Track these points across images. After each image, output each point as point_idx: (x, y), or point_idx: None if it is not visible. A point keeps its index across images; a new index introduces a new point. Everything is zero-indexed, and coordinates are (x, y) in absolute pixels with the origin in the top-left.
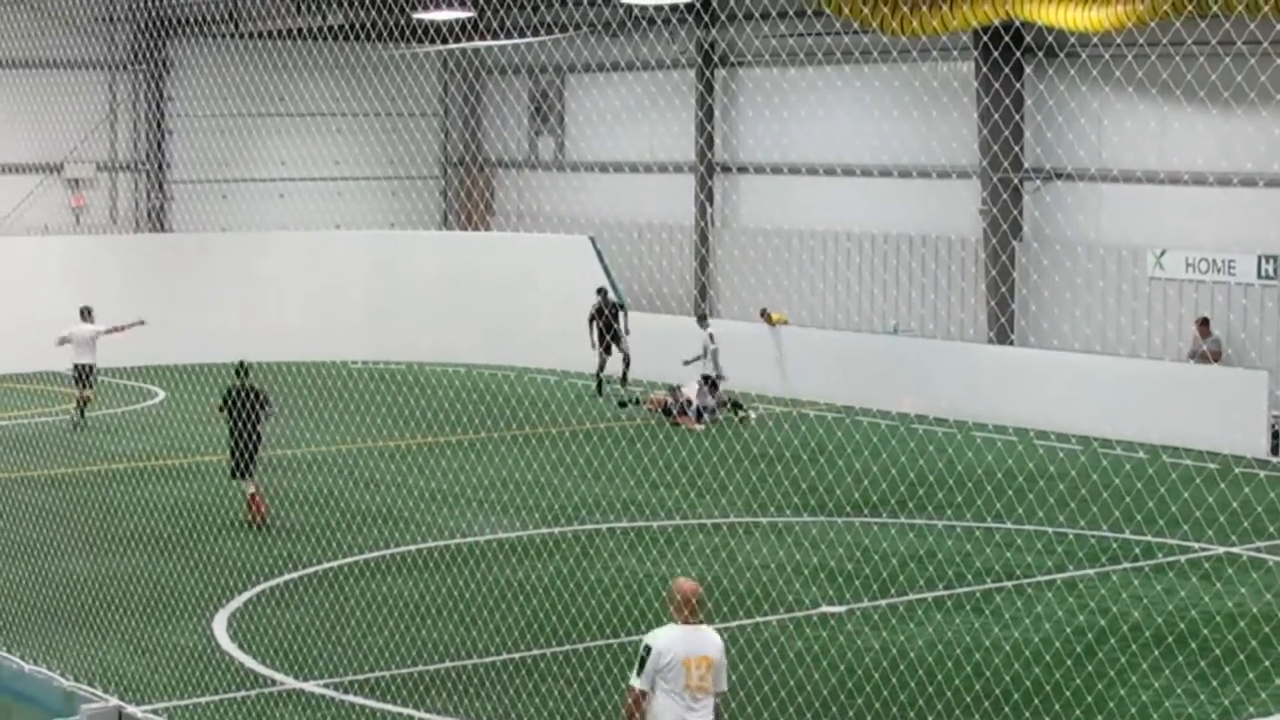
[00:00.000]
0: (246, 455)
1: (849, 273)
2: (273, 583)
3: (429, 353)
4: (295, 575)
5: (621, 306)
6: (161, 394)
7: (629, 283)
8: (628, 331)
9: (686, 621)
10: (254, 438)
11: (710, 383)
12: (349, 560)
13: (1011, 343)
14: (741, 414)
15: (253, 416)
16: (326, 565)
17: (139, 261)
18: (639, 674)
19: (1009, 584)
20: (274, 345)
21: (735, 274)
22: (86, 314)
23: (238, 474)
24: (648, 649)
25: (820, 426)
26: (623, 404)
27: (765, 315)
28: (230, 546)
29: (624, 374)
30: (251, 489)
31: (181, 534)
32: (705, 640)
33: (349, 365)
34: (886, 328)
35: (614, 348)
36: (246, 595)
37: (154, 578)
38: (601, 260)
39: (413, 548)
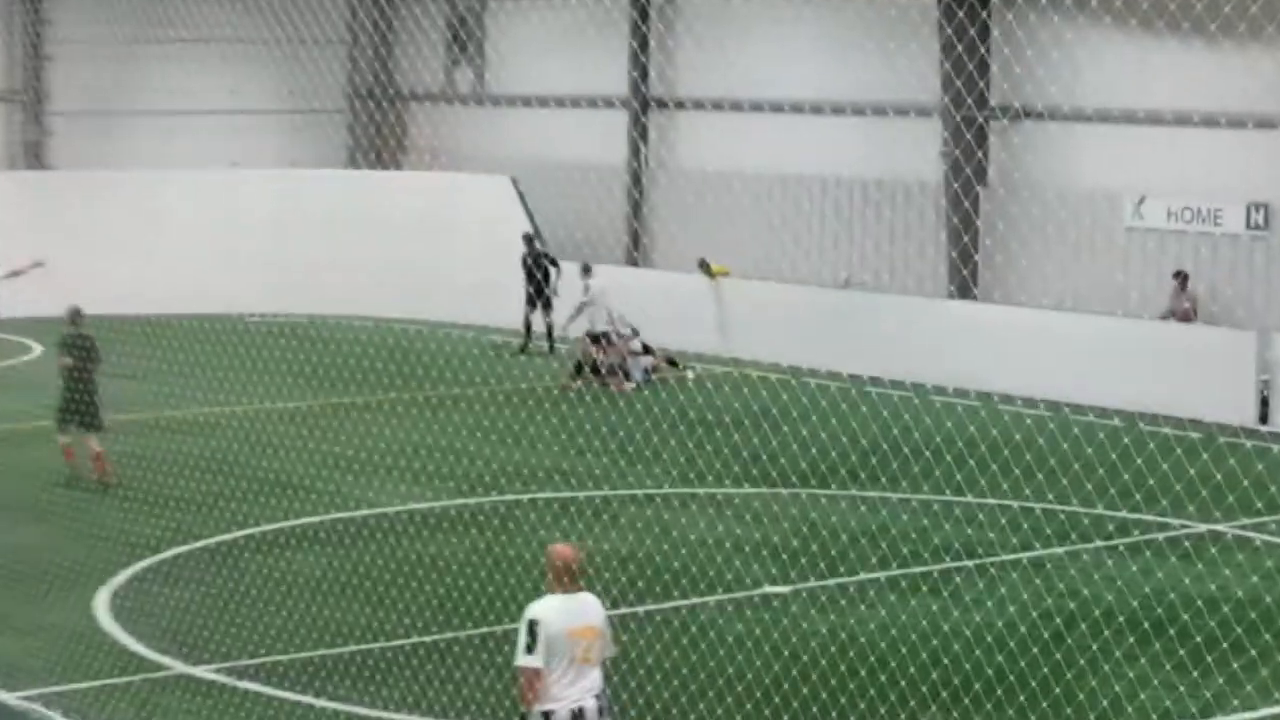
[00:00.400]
0: (80, 408)
1: (796, 220)
2: (160, 557)
3: (334, 305)
4: (185, 549)
5: (553, 262)
6: (37, 349)
7: (554, 229)
8: (556, 294)
9: (566, 590)
10: (89, 390)
11: (607, 339)
12: (244, 533)
13: (975, 298)
14: (681, 371)
15: (87, 367)
16: (220, 538)
17: (13, 201)
18: (530, 651)
19: (969, 563)
20: (162, 296)
21: (671, 220)
22: None
23: (62, 426)
24: (534, 622)
25: (764, 389)
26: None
27: (704, 266)
28: (113, 517)
29: (550, 345)
30: (96, 446)
31: (59, 502)
32: (587, 608)
33: (245, 319)
34: (837, 281)
35: (540, 308)
36: (131, 570)
37: (28, 550)
38: (524, 204)
39: (315, 519)
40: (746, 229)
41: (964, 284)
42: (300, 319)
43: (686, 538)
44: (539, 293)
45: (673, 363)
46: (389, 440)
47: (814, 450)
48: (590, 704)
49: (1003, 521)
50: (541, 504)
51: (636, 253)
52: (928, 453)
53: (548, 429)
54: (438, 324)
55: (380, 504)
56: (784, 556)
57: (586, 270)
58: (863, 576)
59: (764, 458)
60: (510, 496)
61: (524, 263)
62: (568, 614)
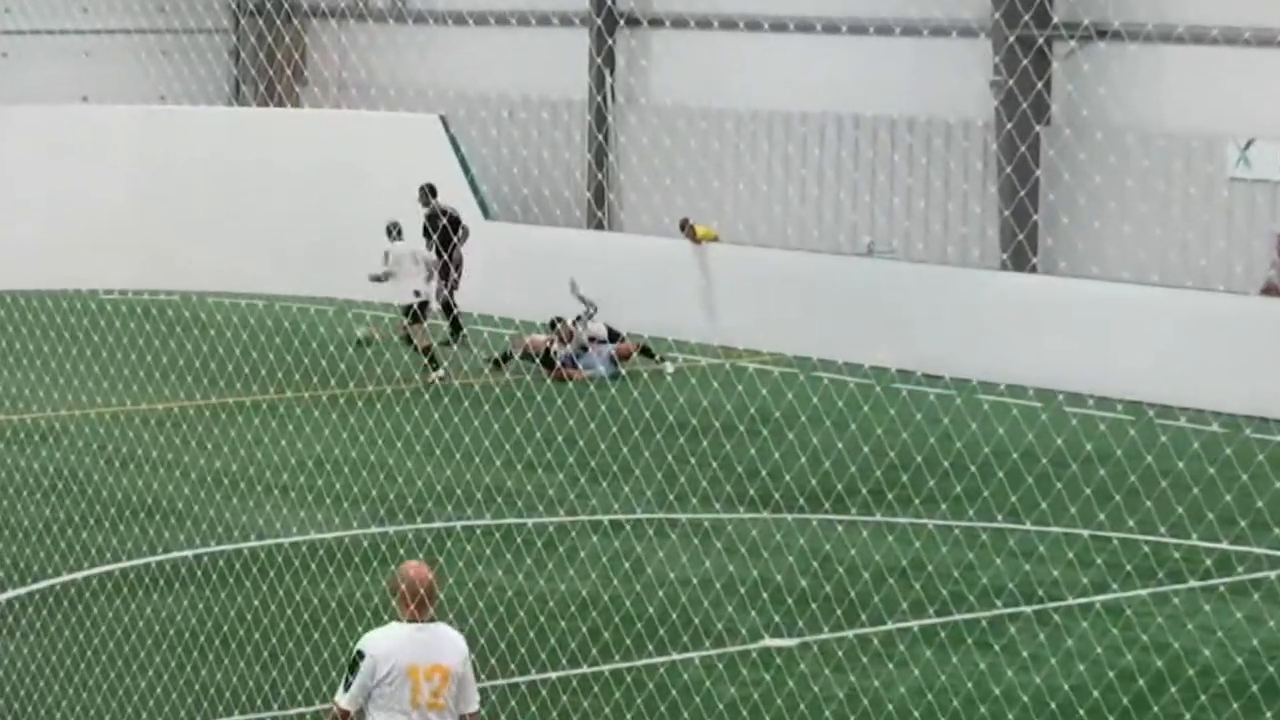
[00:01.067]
0: None
1: (804, 170)
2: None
3: (214, 279)
4: (18, 592)
5: (455, 224)
6: None
7: (495, 183)
8: (458, 267)
9: (415, 619)
10: None
11: (563, 324)
12: (97, 571)
13: (1034, 269)
14: (657, 363)
15: None
16: (65, 578)
17: None
18: (345, 688)
19: (1027, 609)
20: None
21: (645, 170)
22: None
23: None
24: (359, 655)
25: (764, 385)
26: (500, 360)
27: (688, 229)
28: None
29: (453, 327)
30: None
31: None
32: (442, 643)
33: (100, 296)
34: (858, 247)
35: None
36: None
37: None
38: (457, 149)
39: (188, 553)
40: (740, 182)
41: (1020, 252)
42: (171, 297)
43: (664, 576)
44: (449, 251)
45: (647, 352)
46: (284, 452)
47: (827, 464)
48: None
49: (1070, 555)
50: (480, 534)
51: (600, 212)
52: (973, 467)
53: (487, 438)
54: (346, 302)
55: (273, 534)
56: (789, 601)
57: (394, 232)
58: (890, 626)
59: (764, 474)
60: (439, 524)
61: (423, 226)
62: (414, 647)
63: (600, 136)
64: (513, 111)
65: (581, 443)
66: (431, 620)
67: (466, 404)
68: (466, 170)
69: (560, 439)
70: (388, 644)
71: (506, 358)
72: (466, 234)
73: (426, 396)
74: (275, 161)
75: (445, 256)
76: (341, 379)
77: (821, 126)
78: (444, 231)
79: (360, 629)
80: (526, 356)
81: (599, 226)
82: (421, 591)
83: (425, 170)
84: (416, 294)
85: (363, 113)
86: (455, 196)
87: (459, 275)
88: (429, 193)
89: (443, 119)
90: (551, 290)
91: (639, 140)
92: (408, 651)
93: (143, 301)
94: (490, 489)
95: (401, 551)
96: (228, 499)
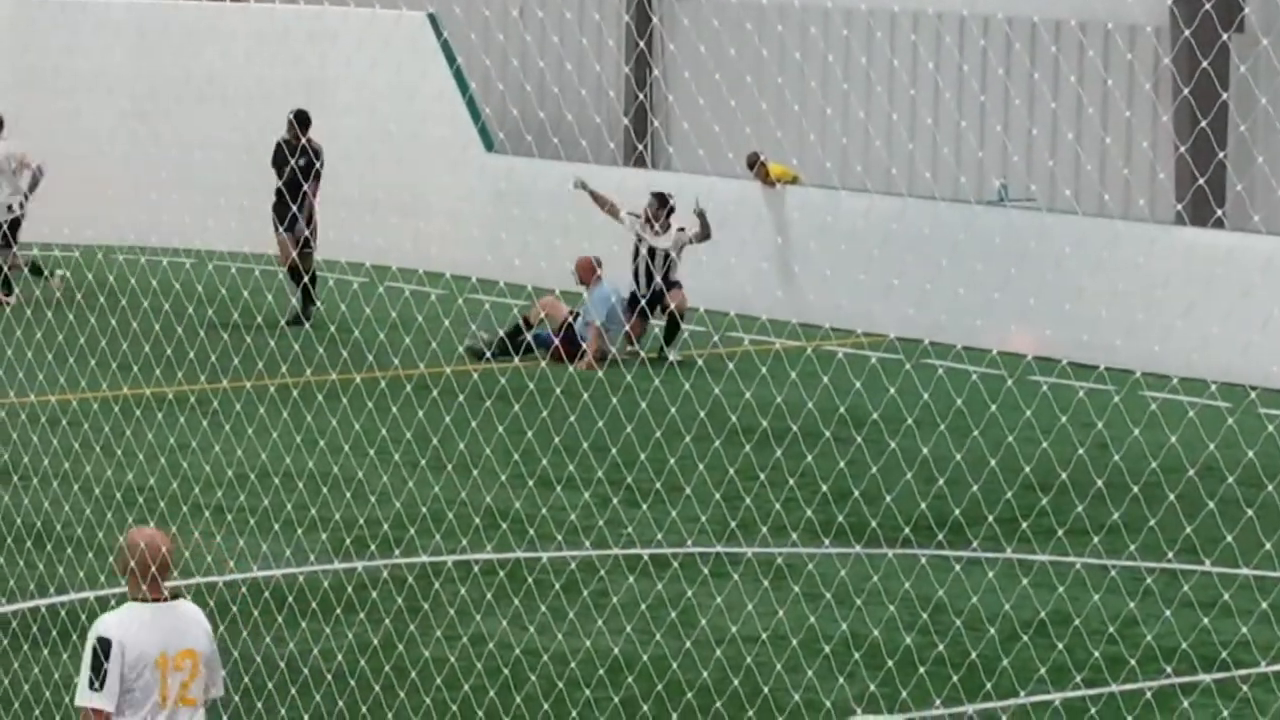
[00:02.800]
0: None
1: (914, 91)
2: None
3: (126, 229)
4: None
5: (315, 155)
6: None
7: (500, 104)
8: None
9: (153, 597)
10: None
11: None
12: None
13: (1219, 223)
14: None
15: None
16: None
17: None
18: (96, 686)
19: (1206, 677)
20: None
21: (701, 89)
22: None
23: None
24: (104, 644)
25: (856, 376)
26: (479, 354)
27: (758, 168)
28: None
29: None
30: None
31: None
32: (188, 624)
33: None
34: (985, 194)
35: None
36: None
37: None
38: (451, 59)
39: (84, 595)
40: (828, 105)
41: (1200, 201)
42: (66, 252)
43: (724, 631)
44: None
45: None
46: (217, 462)
47: (941, 482)
48: None
49: (1263, 606)
50: (478, 572)
51: (641, 144)
52: (1135, 488)
53: (489, 442)
54: (313, 260)
55: (202, 570)
56: (889, 663)
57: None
58: (1024, 699)
59: (854, 494)
60: (424, 559)
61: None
62: (159, 632)
63: (642, 43)
64: (524, 8)
65: (614, 451)
66: (173, 597)
67: (461, 398)
68: (463, 86)
69: (586, 446)
70: (129, 629)
71: (517, 333)
72: (318, 179)
73: (409, 389)
74: (208, 73)
75: (294, 206)
76: (295, 363)
77: (937, 32)
78: (294, 174)
79: (317, 696)
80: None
81: (639, 163)
82: (156, 563)
83: (409, 87)
84: (9, 209)
85: (326, 8)
86: (447, 120)
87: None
88: (299, 123)
89: (432, 18)
90: (574, 244)
91: (694, 48)
92: (153, 638)
93: (29, 259)
94: (492, 512)
95: (374, 595)
96: (141, 522)
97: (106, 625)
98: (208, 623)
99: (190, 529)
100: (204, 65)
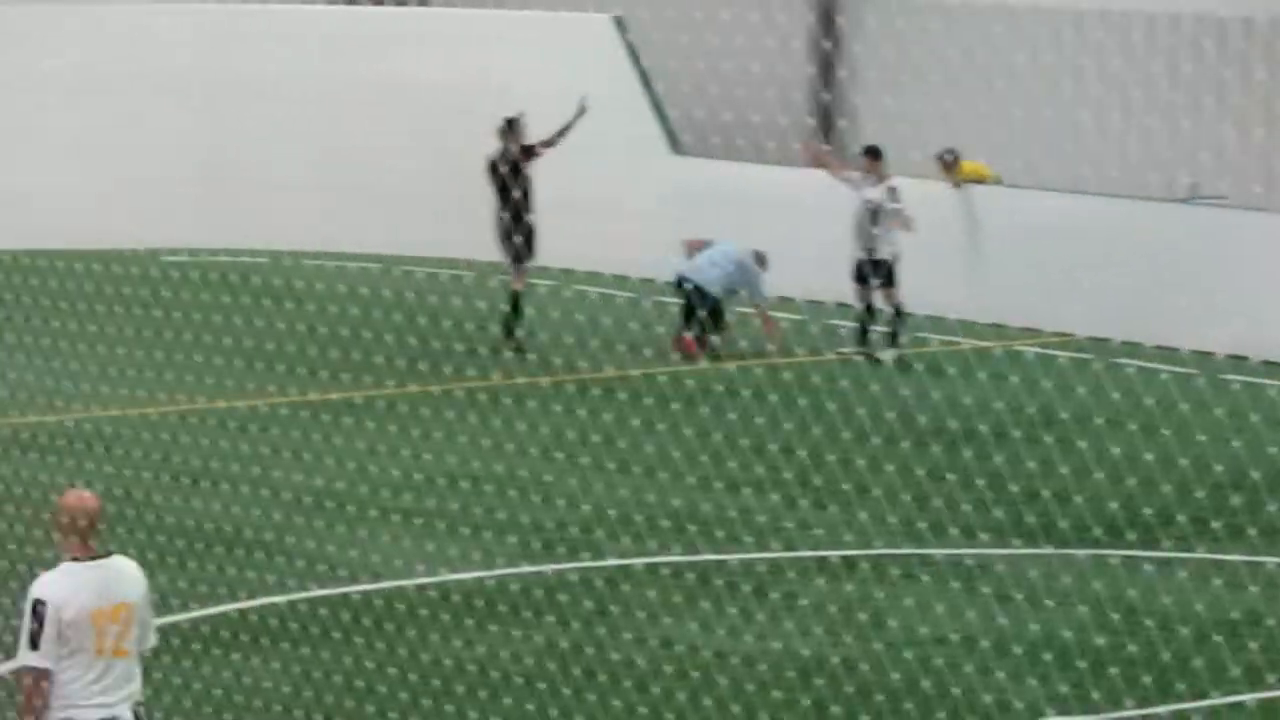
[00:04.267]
0: None
1: (1102, 88)
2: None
3: (310, 235)
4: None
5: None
6: None
7: (686, 105)
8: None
9: (86, 554)
10: None
11: None
12: (157, 623)
13: None
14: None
15: None
16: None
17: None
18: (34, 645)
19: None
20: (17, 220)
21: (887, 88)
22: None
23: None
24: (40, 603)
25: (1046, 375)
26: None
27: (949, 163)
28: None
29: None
30: None
31: None
32: (121, 578)
33: (160, 256)
34: (1175, 192)
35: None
36: None
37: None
38: (636, 60)
39: (280, 599)
40: (1015, 104)
41: None
42: (255, 259)
43: (914, 632)
44: (516, 219)
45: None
46: (406, 466)
47: (1132, 482)
48: (125, 714)
49: None
50: (665, 574)
51: (827, 146)
52: None
53: (673, 444)
54: (487, 266)
55: (391, 574)
56: (1081, 666)
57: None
58: (1217, 700)
59: (1043, 494)
60: (612, 562)
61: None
62: (92, 588)
63: (828, 44)
64: (710, 10)
65: (802, 453)
66: (105, 555)
67: (649, 400)
68: (648, 87)
69: (774, 447)
70: (63, 588)
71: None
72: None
73: (596, 392)
74: (394, 78)
75: (528, 213)
76: (482, 368)
77: (1125, 29)
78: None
79: (506, 700)
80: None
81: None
82: (86, 521)
83: (594, 87)
84: None
85: (511, 12)
86: (633, 121)
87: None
88: (510, 128)
89: (617, 20)
90: (757, 244)
91: (880, 48)
92: (88, 594)
93: (218, 265)
94: (680, 515)
95: (562, 598)
96: (331, 528)
97: (42, 586)
98: (143, 576)
99: (378, 533)
100: (389, 70)
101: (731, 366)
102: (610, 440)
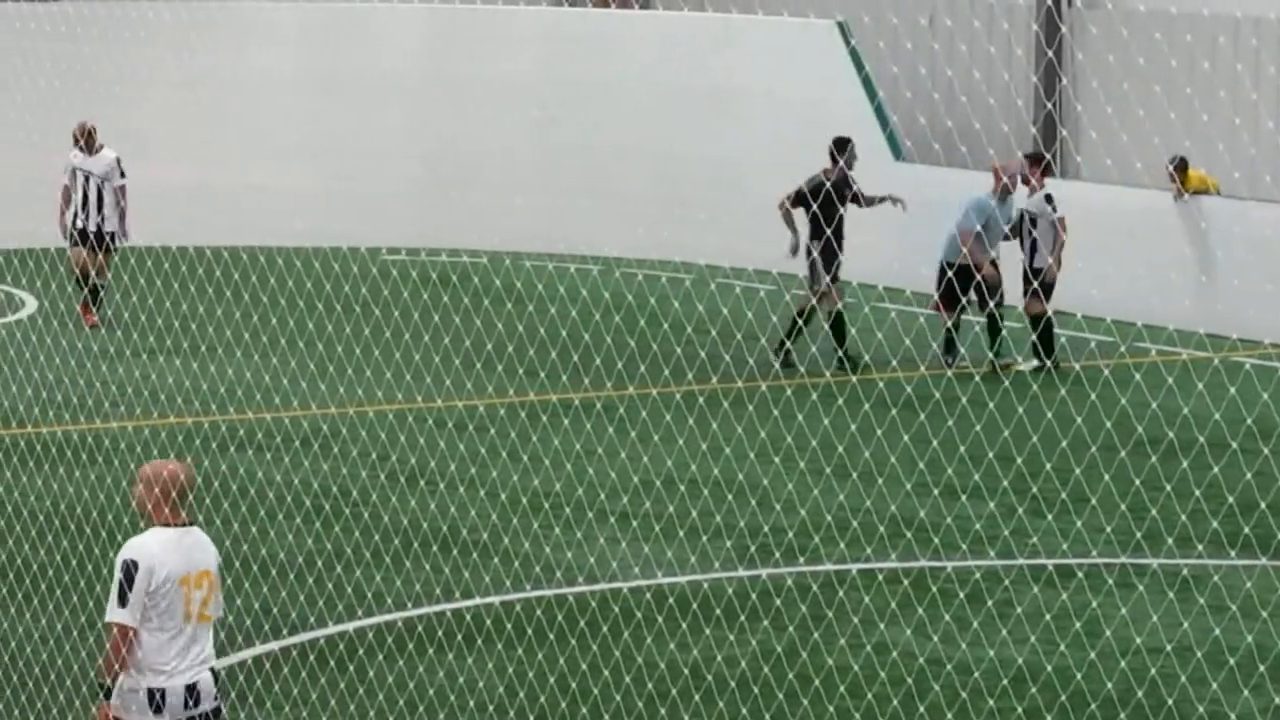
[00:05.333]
0: None
1: None
2: (254, 652)
3: (530, 235)
4: (270, 647)
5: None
6: (32, 303)
7: (909, 112)
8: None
9: (173, 523)
10: None
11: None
12: (374, 621)
13: None
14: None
15: None
16: (333, 630)
17: (9, 39)
18: (123, 603)
19: None
20: (240, 213)
21: (1110, 98)
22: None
23: None
24: (132, 564)
25: (1263, 386)
26: (849, 363)
27: (1178, 171)
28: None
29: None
30: None
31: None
32: (204, 549)
33: (381, 255)
34: None
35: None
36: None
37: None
38: (859, 66)
39: (495, 600)
40: (1238, 115)
41: None
42: (475, 259)
43: (1129, 642)
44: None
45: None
46: (624, 468)
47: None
48: (205, 677)
49: None
50: (882, 581)
51: (1049, 154)
52: None
53: (894, 450)
54: (710, 269)
55: (607, 576)
56: None
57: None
58: None
59: (1262, 505)
60: (829, 567)
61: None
62: (180, 555)
63: (1050, 52)
64: (933, 16)
65: (1020, 460)
66: (191, 523)
67: (868, 406)
68: (871, 95)
69: (991, 455)
70: (154, 552)
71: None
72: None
73: (814, 396)
74: (613, 80)
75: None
76: (702, 370)
77: None
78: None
79: (721, 703)
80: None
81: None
82: (176, 491)
83: (816, 94)
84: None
85: (734, 16)
86: (856, 129)
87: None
88: (842, 148)
89: (841, 26)
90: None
91: (1103, 57)
92: (176, 560)
93: (437, 264)
94: (897, 520)
95: (778, 602)
96: (548, 529)
97: (135, 548)
98: (215, 549)
99: (595, 535)
100: (611, 71)
101: (949, 373)
102: (828, 445)
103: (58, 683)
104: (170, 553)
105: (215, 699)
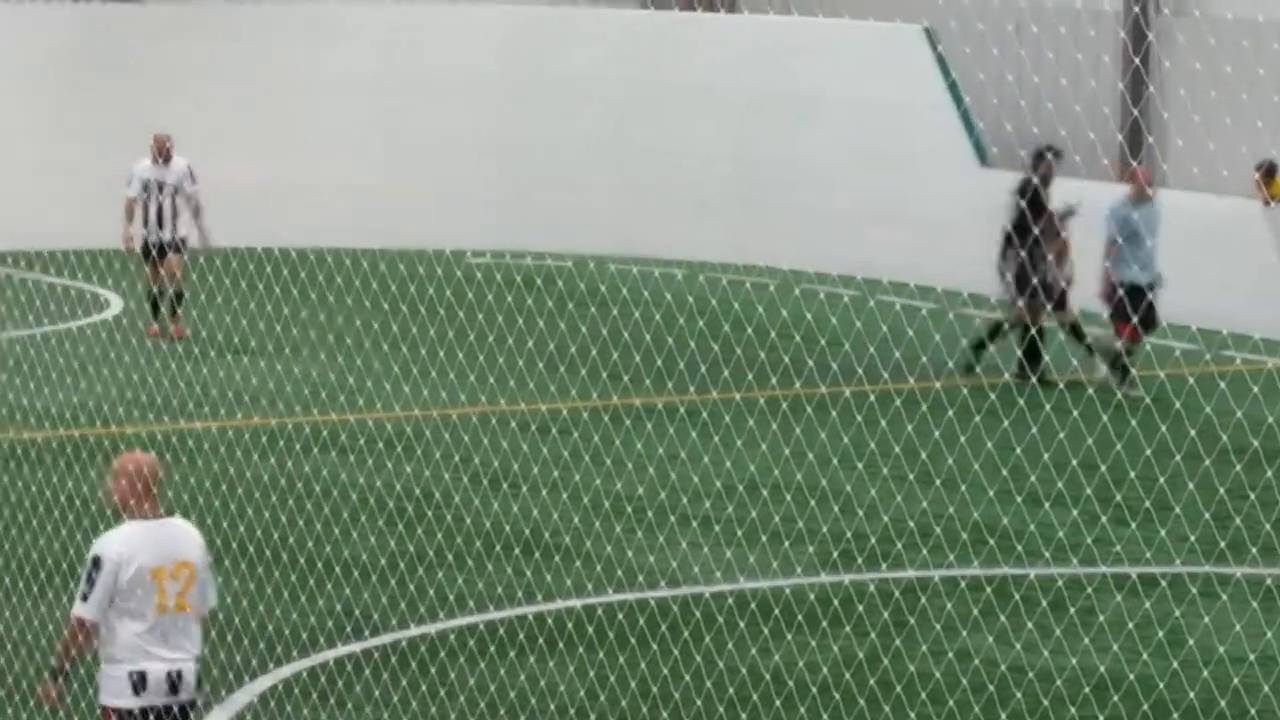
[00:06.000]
0: None
1: None
2: (315, 660)
3: (613, 238)
4: (352, 648)
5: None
6: (117, 303)
7: (995, 118)
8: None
9: (145, 514)
10: None
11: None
12: (456, 624)
13: None
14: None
15: None
16: (414, 632)
17: (80, 48)
18: (85, 597)
19: None
20: (324, 214)
21: (1198, 106)
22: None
23: None
24: (97, 561)
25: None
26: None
27: (1265, 178)
28: (242, 591)
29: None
30: None
31: None
32: (180, 538)
33: (465, 258)
34: None
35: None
36: (271, 679)
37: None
38: (946, 72)
39: (576, 603)
40: None
41: None
42: (559, 262)
43: (1212, 651)
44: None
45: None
46: (707, 473)
47: None
48: (189, 668)
49: None
50: (965, 588)
51: (1136, 161)
52: None
53: (977, 459)
54: (795, 274)
55: (689, 580)
56: None
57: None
58: None
59: None
60: (911, 573)
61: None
62: (154, 546)
63: (1138, 60)
64: (1020, 23)
65: (1104, 468)
66: (165, 514)
67: (951, 413)
68: (958, 100)
69: (1075, 463)
70: (126, 546)
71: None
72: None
73: (898, 403)
74: (698, 82)
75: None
76: (785, 375)
77: None
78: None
79: (802, 708)
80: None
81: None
82: (144, 481)
83: (903, 98)
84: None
85: (820, 20)
86: (942, 134)
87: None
88: (1043, 159)
89: (928, 31)
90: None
91: (1190, 65)
92: (148, 552)
93: (522, 268)
94: (980, 528)
95: (860, 608)
96: (630, 532)
97: (102, 544)
98: (200, 538)
99: (677, 539)
100: (695, 74)
101: (1033, 380)
102: (911, 451)
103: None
104: (141, 546)
105: (194, 693)
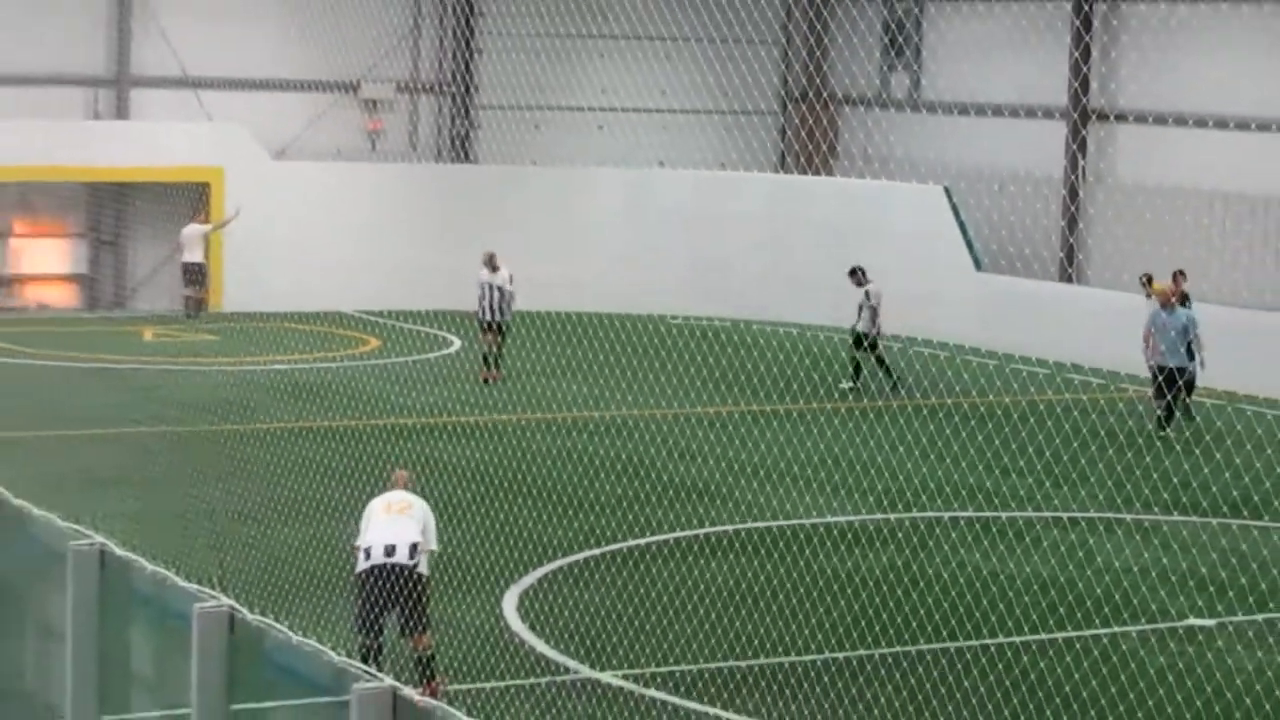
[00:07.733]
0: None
1: (1237, 240)
2: (570, 559)
3: (756, 309)
4: (595, 552)
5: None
6: (457, 343)
7: (986, 241)
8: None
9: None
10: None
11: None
12: (656, 539)
13: None
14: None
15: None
16: (631, 543)
17: (439, 193)
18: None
19: None
20: (584, 293)
21: (1108, 236)
22: None
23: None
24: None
25: (1196, 412)
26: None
27: (1155, 283)
28: (525, 517)
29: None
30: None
31: (472, 500)
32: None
33: (667, 320)
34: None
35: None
36: (541, 572)
37: (440, 547)
38: (957, 215)
39: (728, 528)
40: (1187, 248)
41: None
42: (722, 323)
43: (1110, 564)
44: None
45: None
46: (807, 450)
47: (1247, 478)
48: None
49: None
50: (961, 523)
51: (1070, 268)
52: None
53: (971, 445)
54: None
55: (795, 515)
56: (1210, 588)
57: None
58: None
59: (1194, 484)
60: (929, 513)
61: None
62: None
63: (1073, 208)
64: (1002, 185)
65: (1048, 453)
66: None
67: (957, 419)
68: (964, 231)
69: (1031, 449)
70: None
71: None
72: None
73: (926, 412)
74: (809, 218)
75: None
76: (855, 395)
77: (1255, 206)
78: None
79: (862, 595)
80: None
81: (1068, 280)
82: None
83: (931, 233)
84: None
85: (883, 183)
86: (953, 252)
87: None
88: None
89: (946, 190)
90: (1031, 330)
91: (1104, 211)
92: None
93: (700, 325)
94: (972, 487)
95: (899, 535)
96: (761, 486)
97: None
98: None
99: (789, 490)
100: (811, 214)
101: (1024, 400)
102: (931, 440)
103: None
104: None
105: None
